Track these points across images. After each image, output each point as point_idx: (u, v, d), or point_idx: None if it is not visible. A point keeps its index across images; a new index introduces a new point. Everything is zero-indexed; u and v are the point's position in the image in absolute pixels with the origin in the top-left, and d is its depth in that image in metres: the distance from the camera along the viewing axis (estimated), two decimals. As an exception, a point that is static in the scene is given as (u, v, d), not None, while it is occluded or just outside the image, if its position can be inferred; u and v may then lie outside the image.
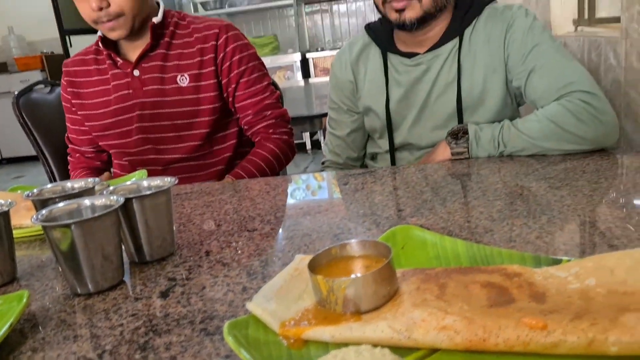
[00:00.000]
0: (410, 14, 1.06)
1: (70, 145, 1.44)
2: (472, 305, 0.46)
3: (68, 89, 1.35)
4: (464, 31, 1.11)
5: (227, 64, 1.29)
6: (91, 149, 1.41)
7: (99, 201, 0.67)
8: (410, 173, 0.99)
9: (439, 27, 1.12)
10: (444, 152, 1.05)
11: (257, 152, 1.31)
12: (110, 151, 1.39)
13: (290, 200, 0.97)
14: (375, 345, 0.43)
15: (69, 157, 1.45)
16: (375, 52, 1.20)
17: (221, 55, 1.29)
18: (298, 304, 0.51)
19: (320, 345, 0.46)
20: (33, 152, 1.86)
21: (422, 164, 1.06)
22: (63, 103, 1.39)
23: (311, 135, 5.25)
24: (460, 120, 1.12)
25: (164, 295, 0.61)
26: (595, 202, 0.74)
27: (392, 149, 1.22)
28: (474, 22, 1.11)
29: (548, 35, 1.06)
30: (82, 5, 1.20)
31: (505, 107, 1.11)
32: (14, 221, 0.78)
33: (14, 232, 0.71)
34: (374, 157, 1.30)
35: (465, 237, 0.67)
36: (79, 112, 1.35)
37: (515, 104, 1.14)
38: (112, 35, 1.23)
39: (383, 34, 1.18)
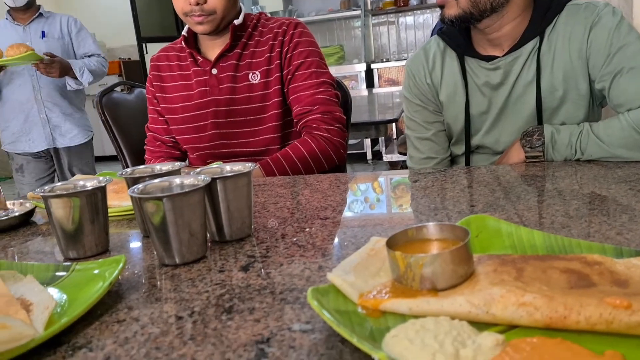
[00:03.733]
0: (450, 12, 1.06)
1: (149, 134, 1.50)
2: (551, 286, 0.46)
3: (154, 82, 1.44)
4: (545, 30, 1.09)
5: (290, 55, 1.34)
6: (171, 139, 1.47)
7: (188, 180, 0.72)
8: (482, 173, 0.99)
9: (509, 27, 1.08)
10: (518, 155, 1.04)
11: (295, 147, 1.29)
12: (184, 146, 1.46)
13: (361, 194, 0.99)
14: (452, 318, 0.45)
15: (146, 147, 1.51)
16: (451, 56, 1.19)
17: (286, 48, 1.34)
18: (375, 280, 0.53)
19: (398, 317, 0.47)
20: (105, 153, 1.98)
21: (494, 166, 1.06)
22: (147, 95, 1.48)
23: (372, 145, 5.26)
24: (540, 122, 1.10)
25: (244, 269, 0.64)
26: (679, 205, 0.72)
27: (468, 153, 1.21)
28: (554, 20, 1.08)
29: (636, 36, 1.02)
30: None
31: (586, 107, 1.08)
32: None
33: (106, 209, 0.77)
34: (451, 161, 1.29)
35: (541, 231, 0.66)
36: (161, 105, 1.43)
37: (597, 105, 1.11)
38: (198, 29, 1.30)
39: (459, 37, 1.18)
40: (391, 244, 0.54)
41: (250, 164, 0.77)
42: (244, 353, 0.45)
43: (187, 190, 0.66)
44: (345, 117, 1.37)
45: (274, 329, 0.49)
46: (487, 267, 0.52)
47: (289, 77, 1.34)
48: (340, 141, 1.32)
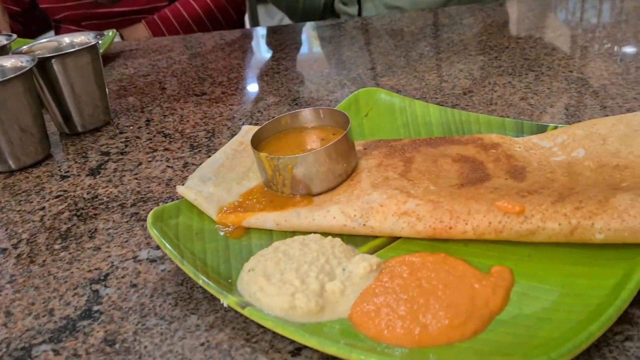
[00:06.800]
0: None
1: None
2: (439, 184, 0.39)
3: None
4: None
5: None
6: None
7: (8, 62, 0.56)
8: (384, 24, 0.87)
9: None
10: None
11: (187, 2, 1.12)
12: (42, 5, 1.20)
13: (246, 59, 0.86)
14: (325, 235, 0.37)
15: None
16: None
17: None
18: (242, 185, 0.44)
19: (264, 234, 0.39)
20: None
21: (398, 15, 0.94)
22: None
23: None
24: None
25: (94, 172, 0.53)
26: (590, 55, 0.65)
27: None
28: None
29: None
30: None
31: None
32: None
33: None
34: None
35: (441, 101, 0.59)
36: None
37: None
38: None
39: None
40: (260, 138, 0.45)
41: (95, 34, 0.62)
42: (72, 299, 0.36)
43: (7, 77, 0.51)
44: None
45: (116, 259, 0.40)
46: (372, 161, 0.44)
47: None
48: None
